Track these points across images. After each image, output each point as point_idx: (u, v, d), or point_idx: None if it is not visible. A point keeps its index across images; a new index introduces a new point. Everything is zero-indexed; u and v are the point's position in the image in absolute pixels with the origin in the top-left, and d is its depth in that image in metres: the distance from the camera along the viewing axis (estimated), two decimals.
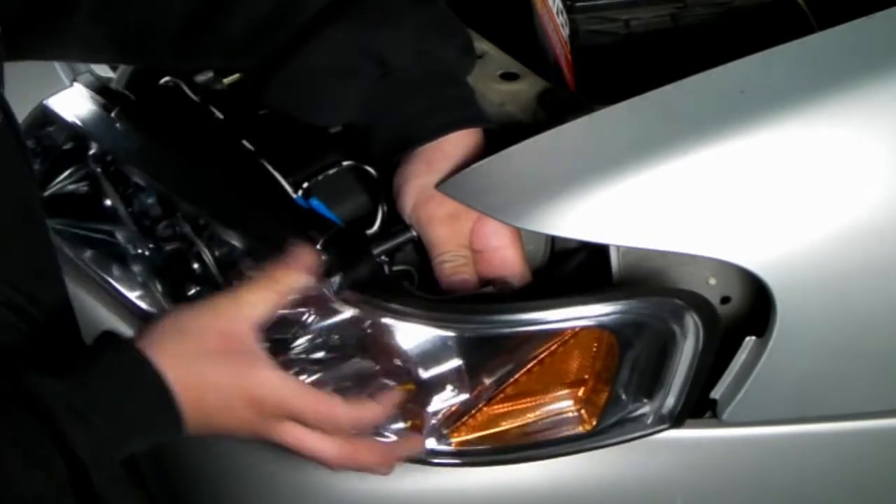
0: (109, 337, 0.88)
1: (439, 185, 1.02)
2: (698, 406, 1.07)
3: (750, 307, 1.05)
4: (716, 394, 1.05)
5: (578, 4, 1.23)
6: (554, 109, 1.13)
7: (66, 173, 1.30)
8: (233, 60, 1.15)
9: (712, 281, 1.04)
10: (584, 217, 0.96)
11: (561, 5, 1.24)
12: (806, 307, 1.00)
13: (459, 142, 1.06)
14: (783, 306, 0.98)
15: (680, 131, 0.99)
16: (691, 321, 0.99)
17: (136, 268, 1.22)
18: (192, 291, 1.13)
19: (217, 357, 0.89)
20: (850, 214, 0.99)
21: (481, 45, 1.26)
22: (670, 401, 1.04)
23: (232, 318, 0.90)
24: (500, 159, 1.00)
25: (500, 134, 1.10)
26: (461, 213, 1.03)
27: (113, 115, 1.22)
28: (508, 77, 1.21)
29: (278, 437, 0.93)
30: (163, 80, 1.24)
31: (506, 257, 1.05)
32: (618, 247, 1.02)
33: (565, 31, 1.24)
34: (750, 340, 1.02)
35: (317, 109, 1.09)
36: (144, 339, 0.88)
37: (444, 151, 1.05)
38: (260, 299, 0.91)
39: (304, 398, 0.92)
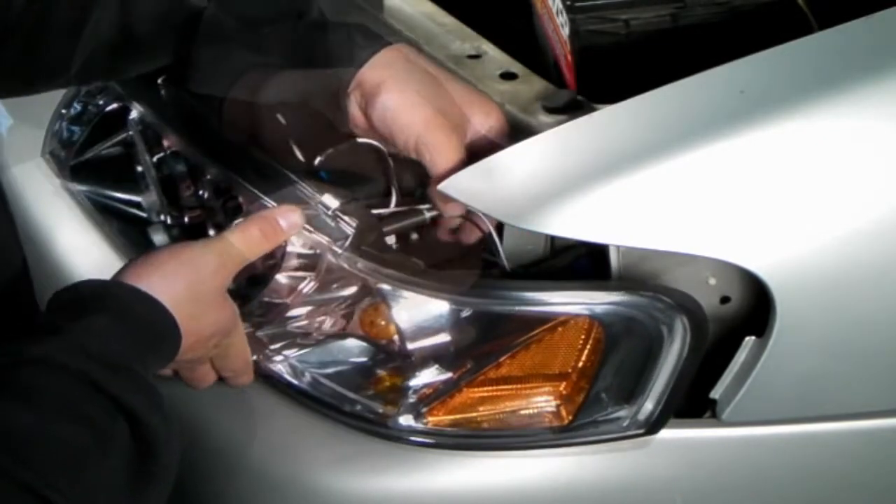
0: (103, 283, 0.91)
1: (440, 186, 1.02)
2: (698, 406, 1.07)
3: (750, 307, 1.05)
4: (716, 394, 1.05)
5: (578, 4, 1.23)
6: (554, 109, 1.13)
7: (107, 139, 1.36)
8: (154, 60, 1.15)
9: (712, 281, 1.04)
10: (584, 217, 0.96)
11: (561, 5, 1.24)
12: (806, 307, 1.00)
13: (400, 55, 1.05)
14: (783, 306, 0.99)
15: (680, 131, 0.99)
16: (680, 324, 1.00)
17: (156, 237, 1.25)
18: None
19: (201, 306, 0.95)
20: (849, 214, 0.99)
21: (481, 44, 1.26)
22: (648, 406, 1.04)
23: (219, 262, 0.96)
24: (500, 159, 1.00)
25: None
26: (457, 126, 1.04)
27: (159, 81, 1.25)
28: (508, 77, 1.21)
29: (188, 366, 1.01)
30: None
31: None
32: (618, 247, 1.02)
33: (565, 31, 1.24)
34: (750, 340, 1.02)
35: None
36: (142, 277, 0.91)
37: (402, 65, 1.04)
38: (246, 242, 0.97)
39: (241, 356, 1.02)
